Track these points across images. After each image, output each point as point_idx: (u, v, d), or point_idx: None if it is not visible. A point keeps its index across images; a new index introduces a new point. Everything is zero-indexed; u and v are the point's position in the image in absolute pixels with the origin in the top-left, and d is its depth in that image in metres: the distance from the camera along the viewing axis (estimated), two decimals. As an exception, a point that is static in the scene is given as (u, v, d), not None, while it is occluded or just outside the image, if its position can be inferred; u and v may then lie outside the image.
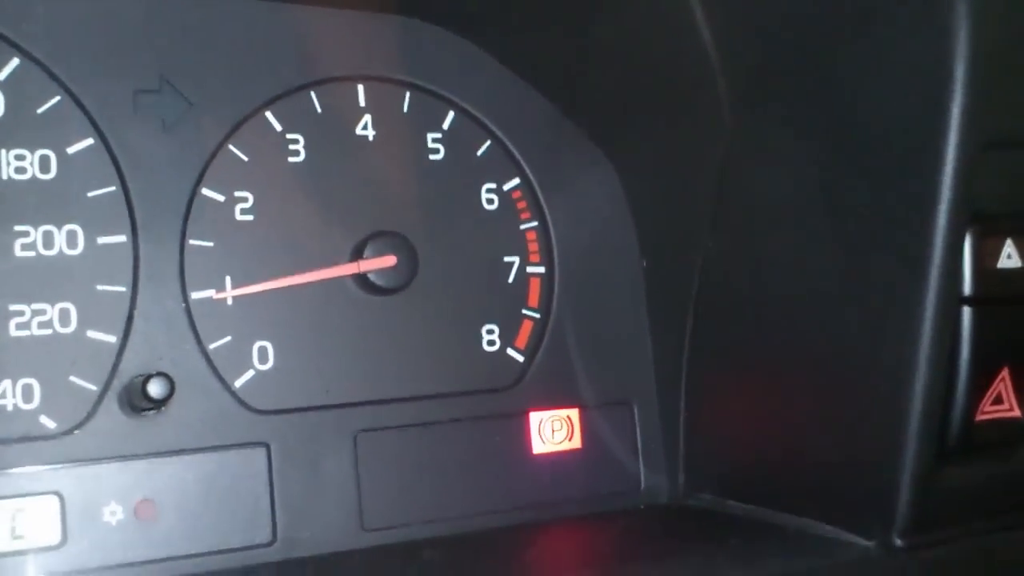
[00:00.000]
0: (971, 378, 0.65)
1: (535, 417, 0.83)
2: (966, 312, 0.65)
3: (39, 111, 0.72)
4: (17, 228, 0.70)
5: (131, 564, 0.69)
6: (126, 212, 0.73)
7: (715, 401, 0.81)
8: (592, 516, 0.82)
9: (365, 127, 0.82)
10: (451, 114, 0.85)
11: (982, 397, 0.66)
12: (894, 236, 0.64)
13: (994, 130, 0.62)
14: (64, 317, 0.70)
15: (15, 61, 0.72)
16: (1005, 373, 0.67)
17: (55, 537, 0.68)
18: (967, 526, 0.69)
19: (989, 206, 0.64)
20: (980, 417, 0.66)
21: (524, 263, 0.85)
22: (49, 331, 0.70)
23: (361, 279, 0.79)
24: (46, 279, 0.70)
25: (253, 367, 0.75)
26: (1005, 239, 0.66)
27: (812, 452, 0.71)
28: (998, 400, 0.67)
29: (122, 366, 0.71)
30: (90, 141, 0.73)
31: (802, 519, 0.72)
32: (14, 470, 0.68)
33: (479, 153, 0.86)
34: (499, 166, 0.86)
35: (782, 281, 0.73)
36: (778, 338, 0.73)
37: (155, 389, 0.68)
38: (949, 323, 0.63)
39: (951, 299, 0.63)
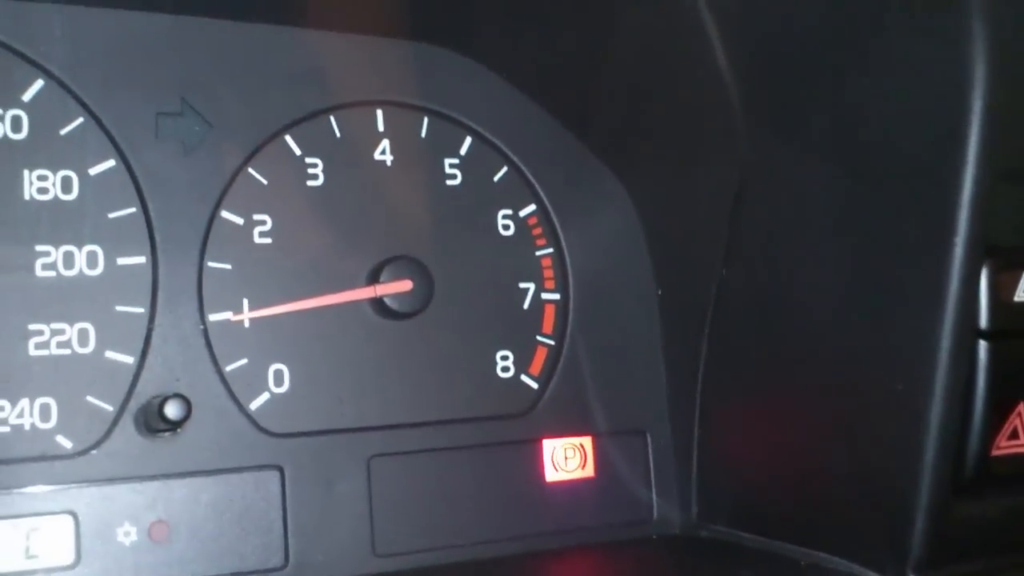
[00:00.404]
0: (987, 412, 0.65)
1: (548, 444, 0.83)
2: (982, 346, 0.64)
3: (62, 132, 0.73)
4: (38, 248, 0.71)
5: (144, 585, 0.69)
6: (146, 233, 0.74)
7: (728, 431, 0.80)
8: (604, 545, 0.81)
9: (383, 152, 0.83)
10: (468, 140, 0.86)
11: (998, 431, 0.66)
12: (910, 268, 0.64)
13: (1011, 162, 0.62)
14: (83, 337, 0.71)
15: (39, 83, 0.73)
16: (1021, 408, 0.66)
17: (69, 557, 0.68)
18: (981, 562, 0.68)
19: (1006, 239, 0.64)
20: (996, 452, 0.66)
21: (539, 289, 0.86)
22: (67, 351, 0.70)
23: (377, 303, 0.79)
24: (66, 299, 0.71)
25: (268, 390, 0.75)
26: (1022, 272, 0.65)
27: (826, 484, 0.71)
28: (1014, 435, 0.66)
29: (139, 387, 0.72)
30: (112, 163, 0.74)
31: (815, 552, 0.71)
32: (29, 489, 0.68)
33: (495, 179, 0.86)
34: (515, 192, 0.86)
35: (796, 310, 0.73)
36: (792, 368, 0.73)
37: (172, 411, 0.68)
38: (965, 356, 0.63)
39: (967, 332, 0.63)
